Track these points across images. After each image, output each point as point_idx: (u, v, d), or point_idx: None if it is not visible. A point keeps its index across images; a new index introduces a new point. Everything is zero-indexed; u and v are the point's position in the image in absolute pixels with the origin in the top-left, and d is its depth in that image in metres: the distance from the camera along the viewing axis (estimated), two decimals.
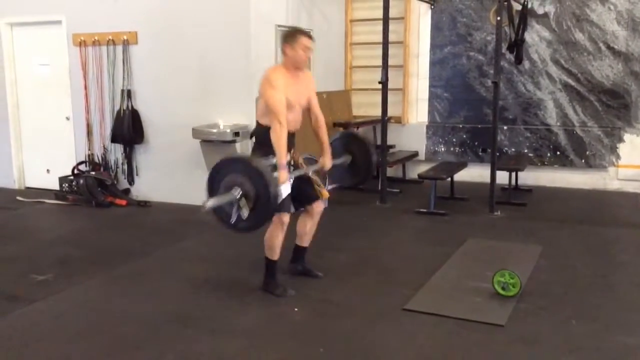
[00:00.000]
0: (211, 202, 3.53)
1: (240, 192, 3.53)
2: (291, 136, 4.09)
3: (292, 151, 4.12)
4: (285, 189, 3.96)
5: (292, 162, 4.11)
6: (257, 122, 4.12)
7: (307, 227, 4.34)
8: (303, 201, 4.22)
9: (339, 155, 4.53)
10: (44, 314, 3.94)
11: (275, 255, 4.15)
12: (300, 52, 4.01)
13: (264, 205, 3.55)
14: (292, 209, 4.14)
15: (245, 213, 3.56)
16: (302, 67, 4.11)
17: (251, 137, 4.13)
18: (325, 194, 4.25)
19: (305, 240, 4.42)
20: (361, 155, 4.62)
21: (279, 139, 3.84)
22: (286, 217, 4.04)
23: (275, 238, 4.09)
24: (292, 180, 4.04)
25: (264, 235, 4.16)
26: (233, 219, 3.60)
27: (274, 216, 3.98)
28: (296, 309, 3.91)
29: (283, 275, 4.35)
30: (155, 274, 4.72)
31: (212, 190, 3.68)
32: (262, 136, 4.04)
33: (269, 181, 3.52)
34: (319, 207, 4.29)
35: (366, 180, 4.85)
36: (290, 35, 4.06)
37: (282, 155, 3.84)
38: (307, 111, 4.26)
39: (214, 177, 3.69)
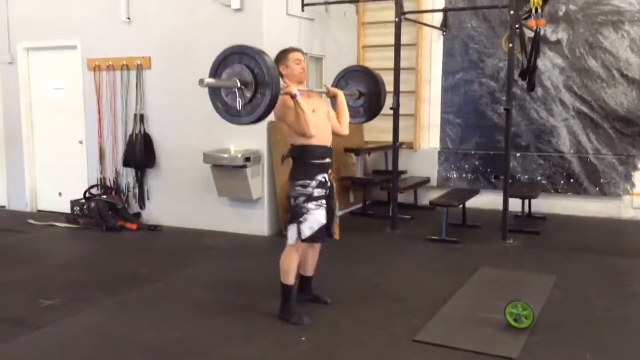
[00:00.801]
0: (210, 80, 3.64)
1: (239, 82, 3.62)
2: (326, 150, 4.07)
3: (329, 171, 4.09)
4: (321, 218, 3.97)
5: (328, 184, 4.07)
6: (291, 145, 4.09)
7: (309, 257, 4.32)
8: None
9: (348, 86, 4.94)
10: (50, 339, 3.92)
11: (290, 279, 4.10)
12: (294, 66, 4.03)
13: (264, 86, 3.59)
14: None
15: (248, 95, 3.63)
16: (302, 79, 4.10)
17: (284, 159, 4.17)
18: (338, 234, 4.26)
19: (309, 270, 4.39)
20: (370, 89, 4.97)
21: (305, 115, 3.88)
22: (318, 246, 4.14)
23: (290, 261, 4.07)
24: (325, 206, 4.04)
25: (271, 264, 4.13)
26: (239, 106, 3.66)
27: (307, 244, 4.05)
28: (303, 338, 3.85)
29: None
30: (162, 300, 4.68)
31: (216, 74, 3.74)
32: (298, 155, 4.03)
33: (265, 60, 3.60)
34: None
35: (376, 114, 5.17)
36: (280, 56, 4.09)
37: (305, 111, 3.88)
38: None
39: (221, 61, 3.74)
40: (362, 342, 3.82)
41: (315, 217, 3.96)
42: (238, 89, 3.64)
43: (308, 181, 3.97)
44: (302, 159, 4.01)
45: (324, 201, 4.01)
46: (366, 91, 5.09)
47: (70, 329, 4.08)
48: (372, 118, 5.24)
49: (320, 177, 4.00)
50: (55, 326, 4.10)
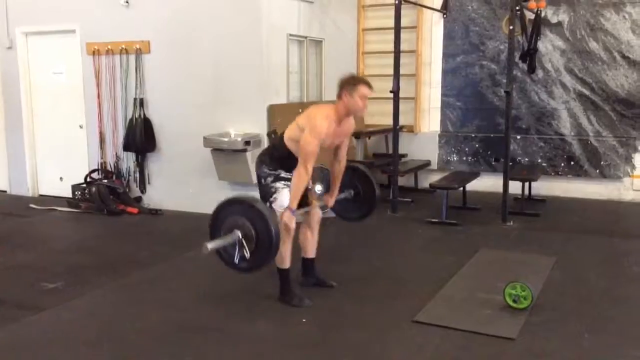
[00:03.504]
0: (211, 245, 3.55)
1: (241, 235, 3.57)
2: None
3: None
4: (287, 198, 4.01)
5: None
6: (282, 138, 4.09)
7: (309, 238, 4.36)
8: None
9: (342, 188, 4.51)
10: (53, 322, 3.96)
11: (286, 263, 4.13)
12: (358, 101, 3.93)
13: (265, 247, 3.56)
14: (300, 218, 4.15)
15: (247, 253, 3.58)
16: (357, 115, 4.10)
17: (269, 135, 4.16)
18: (314, 201, 4.28)
19: (310, 252, 4.41)
20: (365, 189, 4.61)
21: (299, 183, 3.87)
22: (293, 224, 4.02)
23: (283, 245, 4.07)
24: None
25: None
26: (236, 259, 3.64)
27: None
28: (304, 320, 3.88)
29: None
30: (164, 282, 4.72)
31: (215, 230, 3.71)
32: (280, 153, 4.09)
33: (271, 224, 3.53)
34: (316, 215, 4.33)
35: (369, 214, 4.76)
36: (350, 83, 3.95)
37: (295, 200, 3.89)
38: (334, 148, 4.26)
39: (217, 217, 3.73)
40: (363, 323, 3.86)
41: (285, 195, 4.03)
42: (239, 240, 3.58)
43: (280, 170, 4.09)
44: (280, 156, 4.07)
45: (289, 182, 4.06)
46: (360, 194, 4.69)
47: (72, 312, 4.12)
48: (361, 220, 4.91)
49: (285, 173, 4.11)
50: (58, 309, 4.13)
